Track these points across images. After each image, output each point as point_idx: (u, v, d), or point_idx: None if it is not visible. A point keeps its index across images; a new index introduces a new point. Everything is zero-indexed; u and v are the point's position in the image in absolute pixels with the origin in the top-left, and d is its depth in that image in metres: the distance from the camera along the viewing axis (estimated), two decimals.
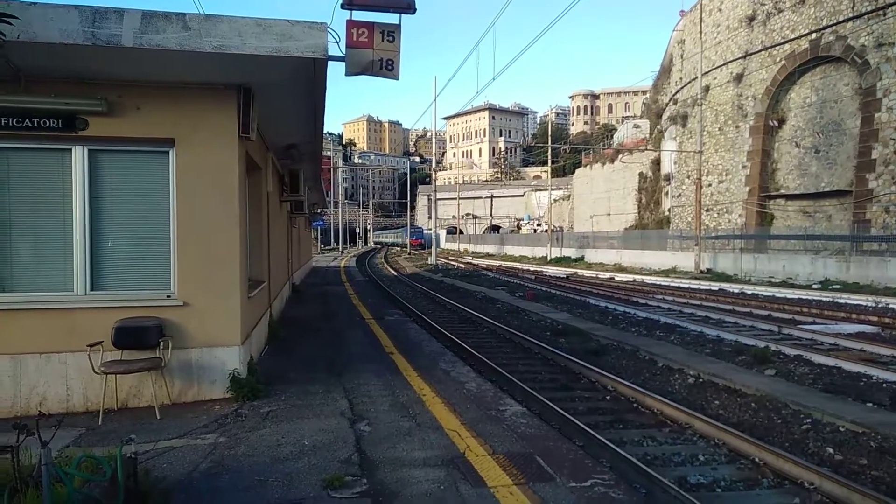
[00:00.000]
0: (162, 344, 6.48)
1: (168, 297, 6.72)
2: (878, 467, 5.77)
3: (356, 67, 6.15)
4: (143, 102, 6.50)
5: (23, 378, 6.35)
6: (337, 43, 5.96)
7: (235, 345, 6.88)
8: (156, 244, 6.78)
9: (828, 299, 19.06)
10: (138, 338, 6.47)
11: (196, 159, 6.71)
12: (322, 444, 5.45)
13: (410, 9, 6.14)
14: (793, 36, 29.74)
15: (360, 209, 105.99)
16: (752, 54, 32.41)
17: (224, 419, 6.18)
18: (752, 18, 32.30)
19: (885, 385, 8.71)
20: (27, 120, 6.24)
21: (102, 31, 5.34)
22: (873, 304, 17.52)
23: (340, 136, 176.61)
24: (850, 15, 26.60)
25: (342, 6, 6.10)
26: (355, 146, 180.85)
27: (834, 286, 21.95)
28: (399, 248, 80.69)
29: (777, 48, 30.81)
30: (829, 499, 5.07)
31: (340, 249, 74.39)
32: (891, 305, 17.12)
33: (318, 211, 37.98)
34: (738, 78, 33.33)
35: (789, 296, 20.35)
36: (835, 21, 27.40)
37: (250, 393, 6.82)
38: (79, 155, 6.56)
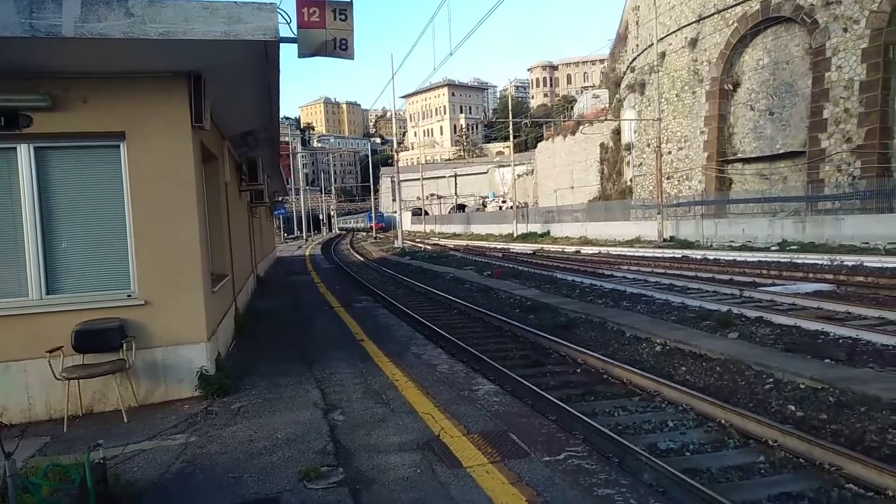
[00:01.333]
0: (125, 345, 6.32)
1: (129, 296, 6.55)
2: (836, 421, 5.99)
3: (309, 48, 6.02)
4: (89, 95, 6.26)
5: None
6: (288, 24, 5.82)
7: (201, 341, 6.76)
8: (112, 242, 6.59)
9: (786, 260, 19.60)
10: (100, 340, 6.30)
11: (148, 152, 6.50)
12: (296, 436, 5.42)
13: None
14: None
15: (323, 195, 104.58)
16: (705, 18, 32.73)
17: (194, 418, 6.09)
18: None
19: (840, 341, 9.03)
20: None
21: (41, 21, 5.09)
22: (829, 262, 18.10)
23: (298, 120, 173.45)
24: None
25: None
26: (314, 130, 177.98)
27: (791, 247, 22.59)
28: (364, 233, 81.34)
29: (729, 11, 31.16)
30: (791, 454, 5.25)
31: (305, 237, 73.46)
32: (846, 262, 17.70)
33: (280, 199, 37.43)
34: (693, 43, 33.68)
35: (749, 259, 20.87)
36: None
37: (220, 389, 6.72)
38: (24, 154, 6.31)
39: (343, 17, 6.05)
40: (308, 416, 5.95)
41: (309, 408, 6.23)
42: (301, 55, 6.04)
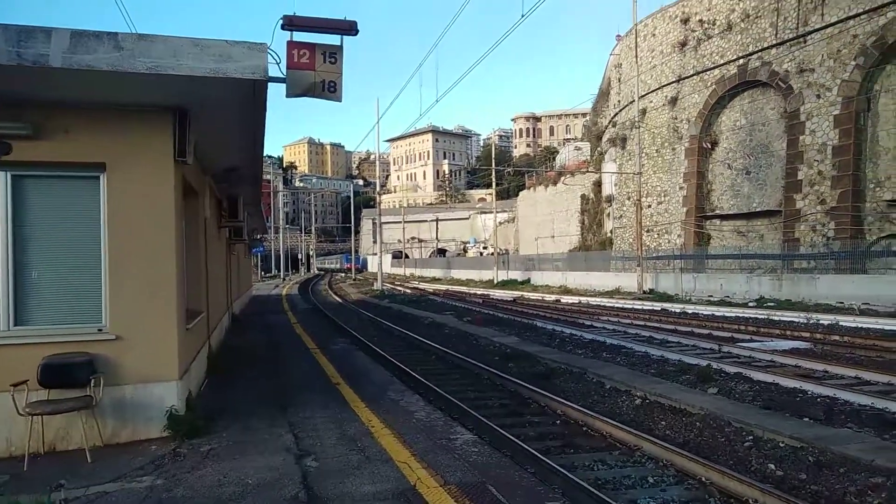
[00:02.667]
0: (93, 381, 6.09)
1: (99, 330, 6.36)
2: (816, 482, 5.92)
3: (297, 89, 6.04)
4: (71, 125, 6.20)
5: None
6: (277, 64, 5.84)
7: (173, 379, 6.55)
8: (86, 274, 6.43)
9: (763, 316, 19.78)
10: (67, 375, 6.08)
11: (129, 184, 6.41)
12: (267, 481, 5.22)
13: (352, 30, 6.09)
14: (722, 61, 31.21)
15: (303, 234, 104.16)
16: (684, 79, 33.80)
17: (161, 460, 5.84)
18: (683, 44, 33.73)
19: (819, 399, 9.03)
20: None
21: (28, 50, 5.06)
22: (805, 320, 18.29)
23: (281, 159, 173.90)
24: (774, 42, 28.14)
25: (282, 27, 5.99)
26: (296, 169, 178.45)
27: (768, 303, 22.84)
28: (343, 274, 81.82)
29: (708, 73, 32.24)
30: None
31: (282, 276, 72.81)
32: (821, 321, 17.90)
33: (258, 237, 37.19)
34: (673, 101, 34.66)
35: (727, 314, 21.04)
36: (760, 48, 28.91)
37: (189, 430, 6.48)
38: (1, 181, 6.19)
39: (333, 59, 6.10)
40: (280, 462, 5.74)
41: (281, 453, 6.02)
42: (289, 95, 6.06)
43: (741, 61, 30.04)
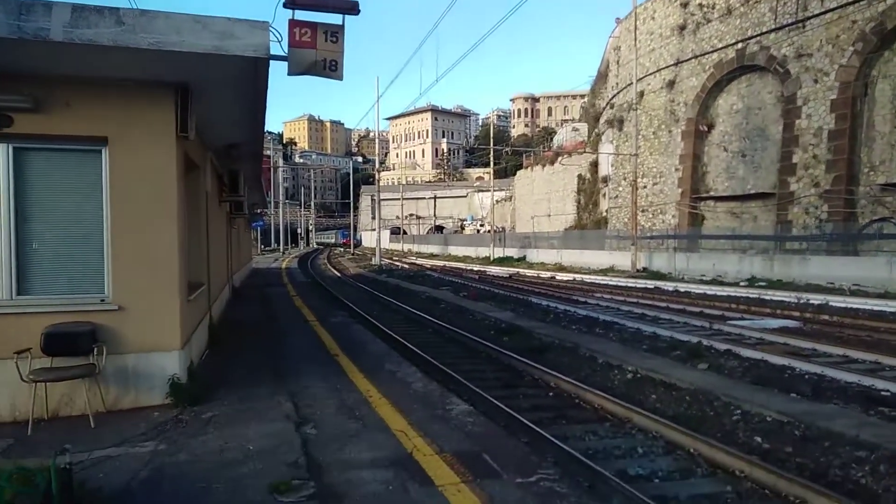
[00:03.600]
0: (96, 350, 6.23)
1: (102, 300, 6.47)
2: (802, 454, 6.11)
3: (299, 67, 6.09)
4: (73, 99, 6.23)
5: None
6: (279, 42, 5.88)
7: (175, 349, 6.68)
8: (88, 246, 6.51)
9: (754, 296, 19.99)
10: (70, 344, 6.20)
11: (131, 158, 6.48)
12: (267, 448, 5.37)
13: (354, 10, 6.11)
14: (720, 45, 31.05)
15: (302, 209, 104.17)
16: (683, 62, 33.65)
17: (164, 426, 6.00)
18: (682, 28, 33.53)
19: (806, 376, 9.23)
20: None
21: (29, 24, 5.09)
22: (796, 300, 18.49)
23: (281, 135, 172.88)
24: (773, 26, 27.97)
25: (284, 5, 6.02)
26: (296, 145, 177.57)
27: (760, 283, 23.05)
28: (342, 248, 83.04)
29: (706, 56, 32.10)
30: (757, 485, 5.36)
31: (282, 250, 72.91)
32: (812, 301, 18.10)
33: (259, 211, 37.20)
34: (671, 84, 34.55)
35: (719, 293, 21.24)
36: (758, 32, 28.74)
37: (191, 398, 6.63)
38: (2, 153, 6.24)
39: (334, 39, 6.14)
40: (280, 429, 5.90)
41: (281, 420, 6.18)
42: (290, 73, 6.10)
43: (739, 45, 29.87)
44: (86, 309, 6.40)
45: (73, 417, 6.29)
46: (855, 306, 16.80)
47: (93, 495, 4.24)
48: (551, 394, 8.60)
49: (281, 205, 77.82)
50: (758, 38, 28.81)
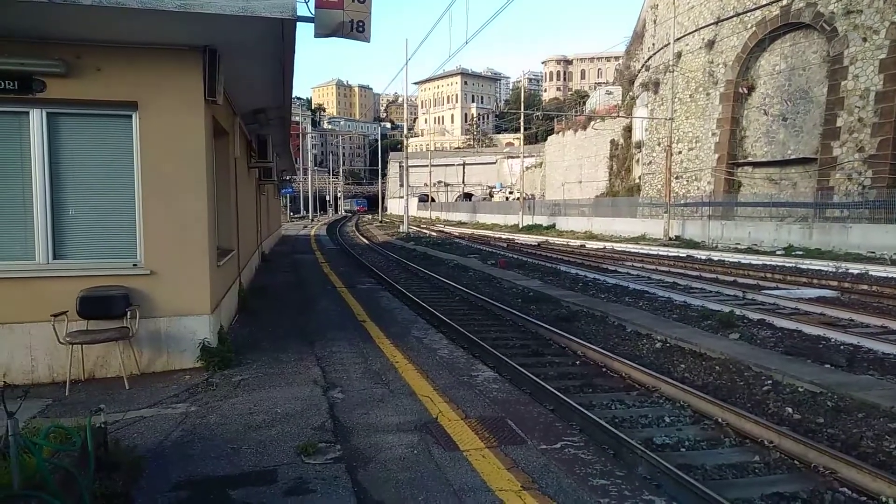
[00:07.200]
0: (129, 313, 6.37)
1: (134, 265, 6.58)
2: (833, 426, 6.00)
3: (326, 29, 6.01)
4: (103, 63, 6.25)
5: None
6: (306, 3, 5.81)
7: (205, 314, 6.80)
8: (120, 211, 6.60)
9: (791, 265, 19.55)
10: (104, 307, 6.34)
11: (161, 123, 6.51)
12: (295, 411, 5.46)
13: None
14: (764, 2, 29.85)
15: (330, 176, 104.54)
16: (724, 20, 32.47)
17: (195, 388, 6.14)
18: None
19: (842, 347, 9.02)
20: None
21: None
22: (834, 269, 18.04)
23: (309, 101, 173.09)
24: None
25: None
26: (325, 111, 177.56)
27: (797, 252, 22.52)
28: (370, 216, 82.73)
29: (748, 14, 30.92)
30: (787, 456, 5.27)
31: (310, 217, 73.64)
32: (850, 270, 17.64)
33: (287, 178, 37.43)
34: (710, 44, 33.43)
35: (754, 262, 20.82)
36: None
37: (221, 362, 6.76)
38: (37, 118, 6.31)
39: None
40: (308, 393, 5.99)
41: (309, 384, 6.27)
42: (317, 35, 6.03)
43: (784, 2, 28.67)
44: (119, 273, 6.53)
45: (108, 379, 6.47)
46: None
47: (127, 454, 4.36)
48: (578, 362, 8.56)
49: (309, 171, 78.28)
50: None
